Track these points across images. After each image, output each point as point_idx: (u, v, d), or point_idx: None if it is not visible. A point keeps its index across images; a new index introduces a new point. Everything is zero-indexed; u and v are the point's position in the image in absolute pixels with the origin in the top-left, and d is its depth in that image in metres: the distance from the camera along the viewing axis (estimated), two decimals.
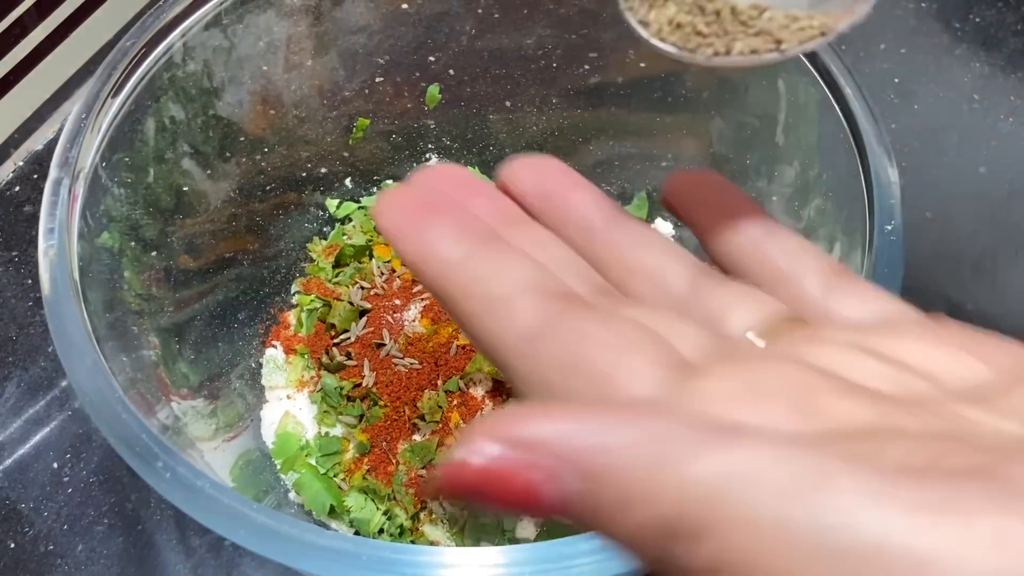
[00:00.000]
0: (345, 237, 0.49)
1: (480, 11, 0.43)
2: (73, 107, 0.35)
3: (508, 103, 0.48)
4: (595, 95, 0.46)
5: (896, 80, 0.53)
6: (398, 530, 0.41)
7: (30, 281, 0.48)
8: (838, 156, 0.35)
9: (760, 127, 0.41)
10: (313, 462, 0.43)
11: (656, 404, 0.16)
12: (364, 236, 0.48)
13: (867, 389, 0.17)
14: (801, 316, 0.20)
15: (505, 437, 0.14)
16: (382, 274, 0.47)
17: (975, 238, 0.49)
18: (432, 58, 0.45)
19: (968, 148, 0.51)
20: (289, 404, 0.45)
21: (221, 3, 0.38)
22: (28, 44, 0.49)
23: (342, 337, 0.45)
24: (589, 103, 0.47)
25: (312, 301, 0.47)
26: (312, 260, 0.49)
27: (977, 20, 0.55)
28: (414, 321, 0.45)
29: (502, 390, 0.44)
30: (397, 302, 0.46)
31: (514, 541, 0.42)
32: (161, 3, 0.37)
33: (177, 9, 0.37)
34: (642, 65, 0.44)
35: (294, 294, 0.48)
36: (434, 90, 0.47)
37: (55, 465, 0.44)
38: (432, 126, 0.48)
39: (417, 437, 0.43)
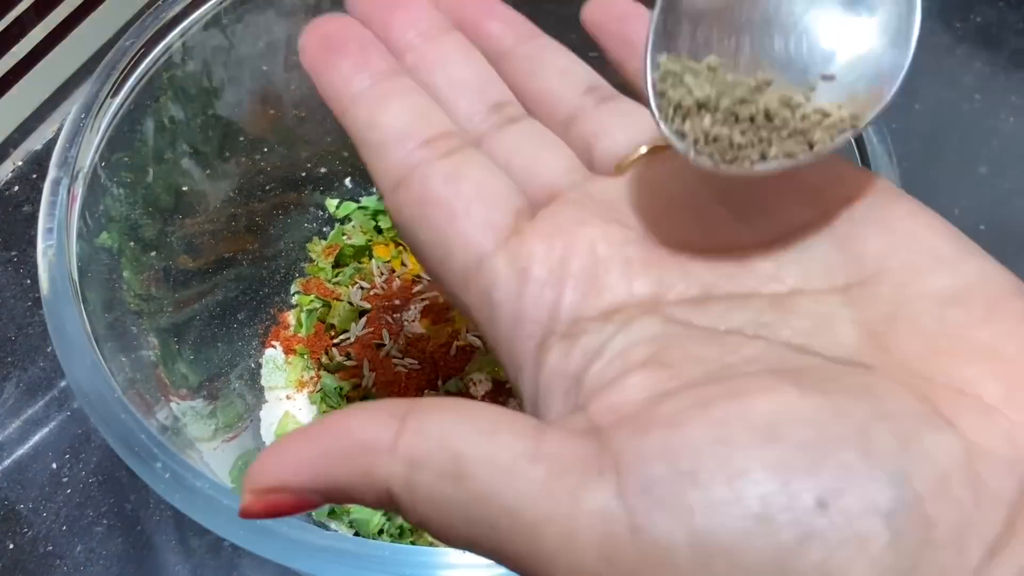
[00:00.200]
0: (345, 237, 0.48)
1: None
2: (72, 107, 0.35)
3: None
4: None
5: None
6: (398, 531, 0.41)
7: (29, 281, 0.48)
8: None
9: None
10: None
11: None
12: (364, 236, 0.48)
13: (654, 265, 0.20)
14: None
15: (251, 488, 0.17)
16: (382, 274, 0.47)
17: (976, 238, 0.49)
18: None
19: (969, 148, 0.51)
20: (289, 404, 0.45)
21: (220, 3, 0.38)
22: (27, 44, 0.49)
23: (342, 337, 0.45)
24: None
25: (312, 301, 0.47)
26: (312, 260, 0.49)
27: (978, 20, 0.55)
28: (414, 321, 0.45)
29: (502, 391, 0.44)
30: (397, 302, 0.46)
31: None
32: (160, 3, 0.37)
33: (176, 9, 0.37)
34: None
35: (294, 294, 0.48)
36: None
37: (54, 466, 0.44)
38: None
39: None
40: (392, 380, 0.44)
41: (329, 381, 0.44)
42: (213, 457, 0.37)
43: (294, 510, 0.17)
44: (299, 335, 0.46)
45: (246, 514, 0.17)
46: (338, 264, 0.48)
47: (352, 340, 0.45)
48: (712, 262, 0.20)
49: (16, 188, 0.51)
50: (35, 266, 0.32)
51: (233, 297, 0.45)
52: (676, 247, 0.20)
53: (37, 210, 0.32)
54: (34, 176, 0.51)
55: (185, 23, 0.37)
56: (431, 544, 0.41)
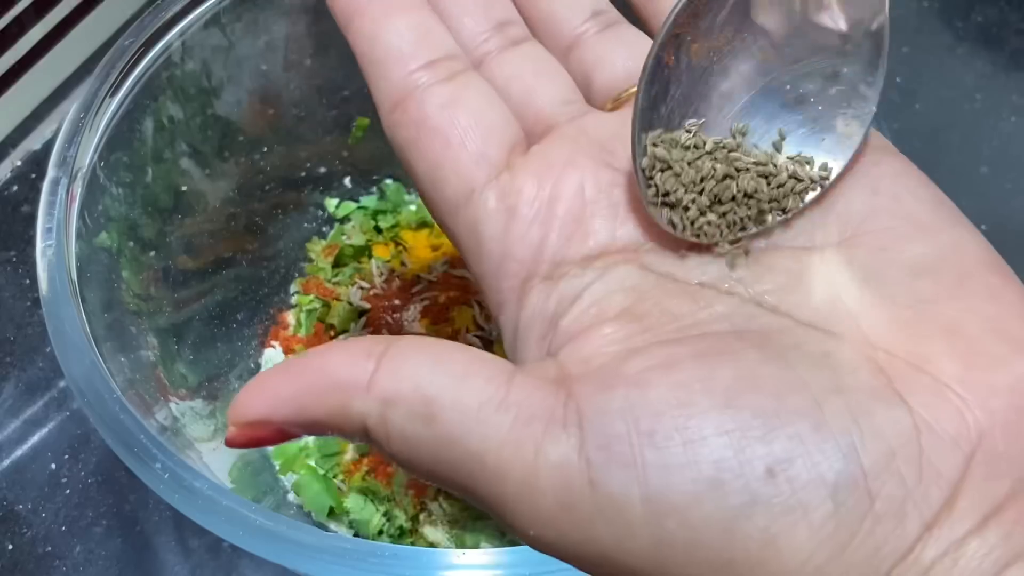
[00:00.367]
0: (344, 237, 0.48)
1: None
2: (71, 106, 0.35)
3: None
4: None
5: (898, 79, 0.53)
6: (398, 531, 0.41)
7: (28, 281, 0.48)
8: None
9: None
10: (312, 463, 0.43)
11: None
12: (363, 236, 0.48)
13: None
14: None
15: (235, 421, 0.17)
16: (381, 274, 0.47)
17: None
18: None
19: (970, 147, 0.51)
20: None
21: (220, 2, 0.38)
22: (26, 43, 0.49)
23: (341, 337, 0.45)
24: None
25: (311, 301, 0.47)
26: (311, 260, 0.48)
27: (979, 19, 0.55)
28: (413, 321, 0.45)
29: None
30: (396, 302, 0.46)
31: (515, 543, 0.41)
32: (160, 2, 0.37)
33: (176, 8, 0.37)
34: None
35: (293, 294, 0.48)
36: None
37: (53, 466, 0.44)
38: None
39: None
40: None
41: None
42: (212, 457, 0.37)
43: (276, 441, 0.18)
44: (299, 335, 0.46)
45: (231, 444, 0.18)
46: (338, 264, 0.48)
47: None
48: None
49: (15, 188, 0.51)
50: (34, 266, 0.31)
51: (232, 297, 0.45)
52: None
53: (36, 210, 0.32)
54: (33, 176, 0.51)
55: (184, 22, 0.37)
56: (431, 545, 0.41)
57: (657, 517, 0.15)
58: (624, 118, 0.22)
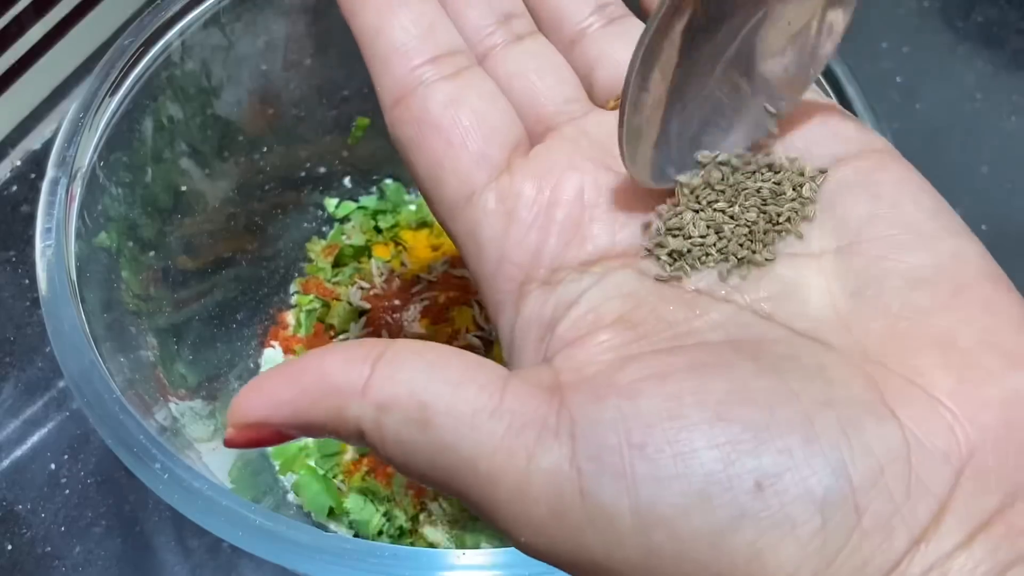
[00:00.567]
0: (344, 237, 0.48)
1: None
2: (71, 106, 0.35)
3: None
4: None
5: (898, 79, 0.53)
6: (397, 532, 0.41)
7: (27, 281, 0.48)
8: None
9: None
10: (312, 463, 0.43)
11: None
12: (363, 236, 0.48)
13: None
14: None
15: (234, 422, 0.18)
16: (381, 274, 0.47)
17: (977, 237, 0.49)
18: None
19: (970, 147, 0.51)
20: None
21: (219, 2, 0.38)
22: (26, 42, 0.49)
23: (341, 337, 0.45)
24: None
25: (311, 301, 0.46)
26: (311, 260, 0.48)
27: (979, 19, 0.55)
28: (413, 322, 0.45)
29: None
30: (396, 302, 0.46)
31: None
32: (159, 1, 0.37)
33: (175, 7, 0.37)
34: None
35: (293, 294, 0.48)
36: None
37: (52, 466, 0.44)
38: None
39: None
40: None
41: None
42: (212, 458, 0.37)
43: (274, 442, 0.18)
44: (298, 335, 0.46)
45: (230, 444, 0.18)
46: (337, 264, 0.48)
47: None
48: None
49: (14, 188, 0.51)
50: (33, 266, 0.31)
51: (232, 297, 0.45)
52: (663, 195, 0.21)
53: (35, 210, 0.32)
54: (32, 176, 0.51)
55: (184, 22, 0.37)
56: (431, 545, 0.41)
57: (646, 528, 0.15)
58: None
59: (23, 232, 0.49)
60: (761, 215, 0.20)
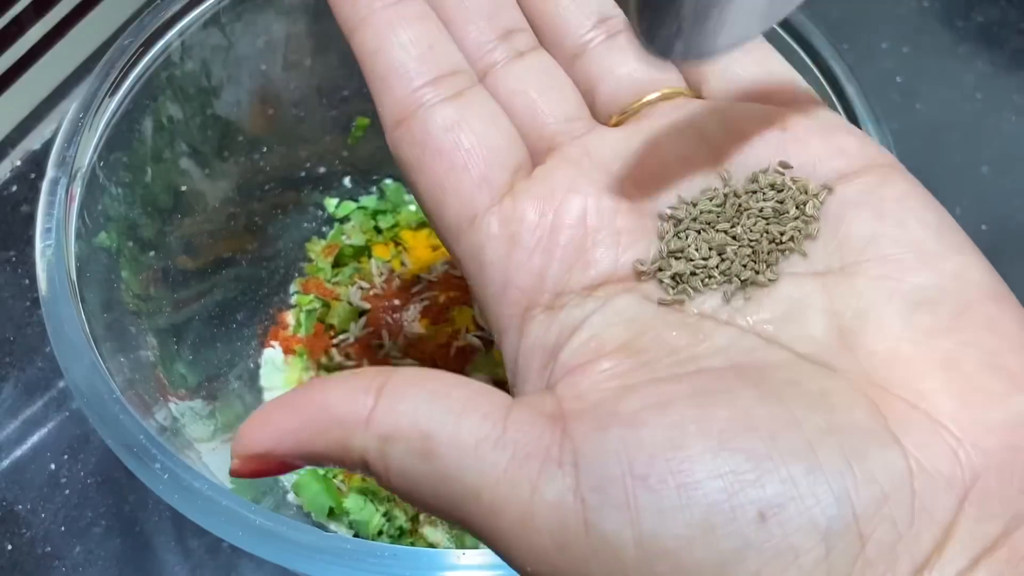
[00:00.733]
0: (344, 237, 0.48)
1: None
2: (71, 106, 0.35)
3: None
4: None
5: (898, 79, 0.53)
6: (397, 532, 0.41)
7: (27, 281, 0.48)
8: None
9: None
10: None
11: None
12: (363, 236, 0.48)
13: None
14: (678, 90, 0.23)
15: (239, 454, 0.18)
16: (381, 274, 0.47)
17: (978, 237, 0.49)
18: None
19: (971, 147, 0.51)
20: None
21: (219, 2, 0.38)
22: (26, 42, 0.49)
23: (341, 337, 0.45)
24: None
25: (311, 301, 0.46)
26: (311, 260, 0.48)
27: (979, 19, 0.55)
28: (413, 322, 0.45)
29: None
30: (396, 302, 0.46)
31: None
32: (159, 1, 0.37)
33: (175, 7, 0.37)
34: None
35: (293, 294, 0.48)
36: None
37: (52, 466, 0.44)
38: None
39: None
40: None
41: None
42: (212, 458, 0.37)
43: (280, 472, 0.18)
44: (298, 335, 0.46)
45: (236, 474, 0.18)
46: (337, 264, 0.48)
47: (351, 340, 0.45)
48: None
49: (14, 188, 0.51)
50: (33, 266, 0.31)
51: (232, 297, 0.45)
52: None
53: (35, 210, 0.32)
54: (32, 176, 0.51)
55: (184, 22, 0.37)
56: (431, 545, 0.41)
57: (650, 560, 0.15)
58: (627, 135, 0.22)
59: (23, 232, 0.49)
60: (764, 235, 0.20)
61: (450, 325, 0.45)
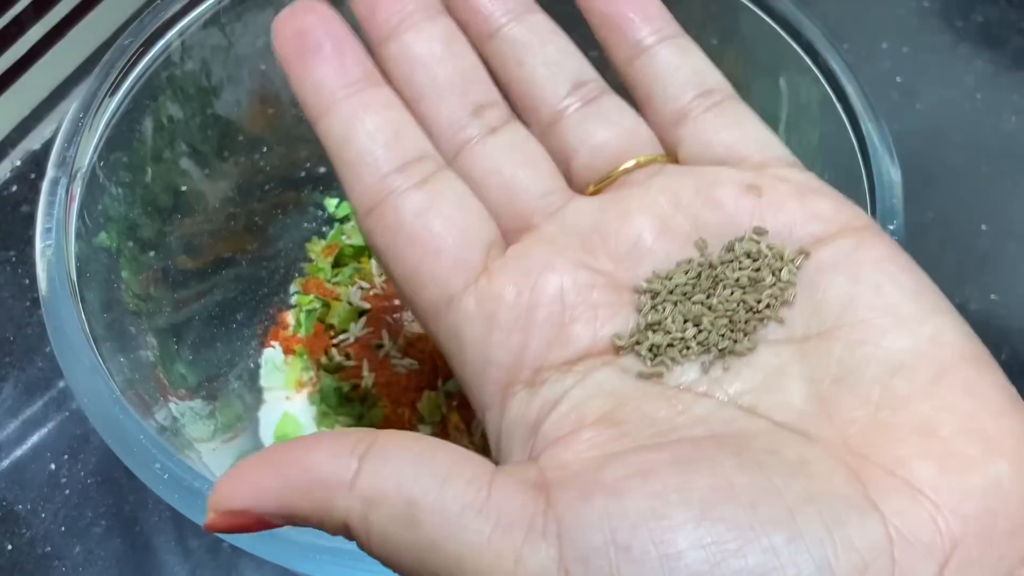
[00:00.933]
0: (344, 237, 0.48)
1: None
2: (71, 106, 0.35)
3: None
4: None
5: (898, 79, 0.53)
6: None
7: (27, 281, 0.48)
8: (840, 156, 0.34)
9: None
10: None
11: None
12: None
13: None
14: (654, 158, 0.23)
15: (215, 509, 0.17)
16: (381, 274, 0.47)
17: (978, 238, 0.49)
18: None
19: (971, 147, 0.51)
20: (288, 405, 0.45)
21: (219, 2, 0.38)
22: (25, 42, 0.49)
23: (341, 337, 0.45)
24: None
25: (311, 301, 0.46)
26: (311, 260, 0.48)
27: (980, 19, 0.55)
28: (413, 322, 0.45)
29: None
30: (396, 302, 0.46)
31: None
32: (159, 1, 0.37)
33: (175, 7, 0.37)
34: None
35: (293, 294, 0.48)
36: None
37: (52, 466, 0.44)
38: None
39: None
40: (392, 381, 0.44)
41: (328, 382, 0.44)
42: (212, 458, 0.37)
43: (256, 529, 0.18)
44: (298, 335, 0.46)
45: (211, 529, 0.18)
46: (337, 264, 0.48)
47: (351, 340, 0.45)
48: None
49: (14, 188, 0.51)
50: (33, 266, 0.31)
51: (232, 297, 0.45)
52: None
53: (35, 210, 0.32)
54: (32, 176, 0.51)
55: (184, 22, 0.37)
56: None
57: None
58: (603, 205, 0.22)
59: (23, 232, 0.49)
60: (741, 304, 0.20)
61: None
